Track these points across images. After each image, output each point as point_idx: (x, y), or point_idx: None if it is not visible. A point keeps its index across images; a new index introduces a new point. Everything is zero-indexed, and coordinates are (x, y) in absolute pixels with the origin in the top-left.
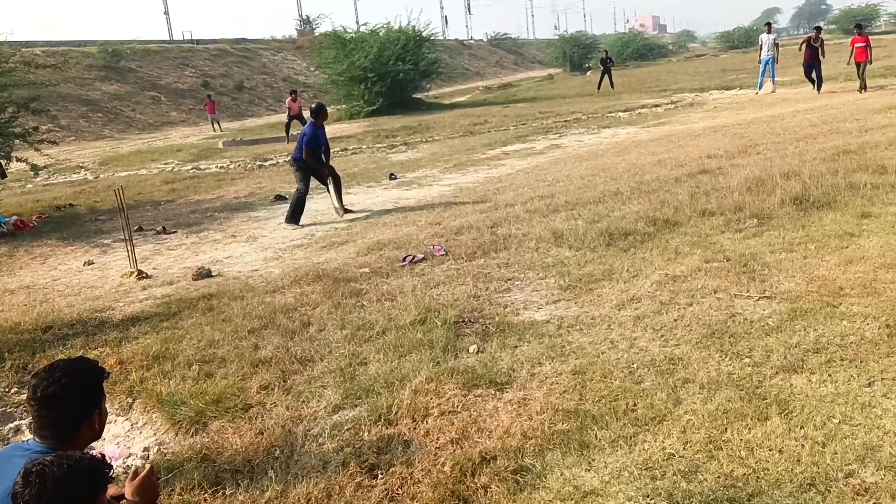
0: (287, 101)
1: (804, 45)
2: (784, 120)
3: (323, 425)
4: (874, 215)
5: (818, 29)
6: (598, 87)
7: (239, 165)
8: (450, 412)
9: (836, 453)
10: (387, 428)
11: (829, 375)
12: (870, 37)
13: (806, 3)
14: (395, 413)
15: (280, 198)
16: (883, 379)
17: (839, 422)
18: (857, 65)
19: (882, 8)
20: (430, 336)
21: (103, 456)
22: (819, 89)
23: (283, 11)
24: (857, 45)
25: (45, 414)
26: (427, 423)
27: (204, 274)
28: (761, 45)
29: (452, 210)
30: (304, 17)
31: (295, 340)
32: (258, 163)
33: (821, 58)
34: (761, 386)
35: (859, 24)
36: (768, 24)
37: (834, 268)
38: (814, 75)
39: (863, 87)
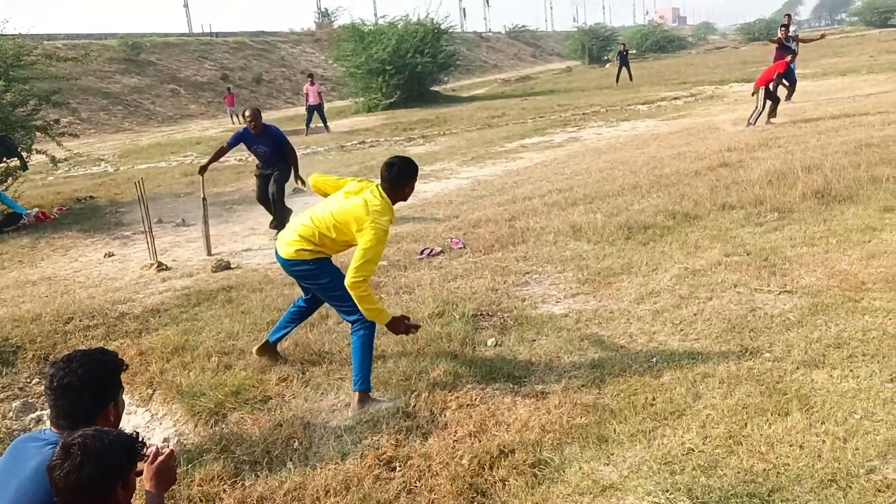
0: (305, 86)
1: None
2: (805, 112)
3: (341, 417)
4: None
5: (787, 17)
6: (617, 81)
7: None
8: (468, 405)
9: (857, 449)
10: (405, 420)
11: (851, 371)
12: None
13: None
14: (414, 406)
15: (298, 190)
16: None
17: (861, 417)
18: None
19: None
20: (448, 329)
21: (137, 433)
22: (790, 98)
23: (302, 4)
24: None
25: (61, 404)
26: (445, 416)
27: (223, 266)
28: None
29: (470, 203)
30: (323, 9)
31: (313, 333)
32: None
33: (795, 53)
34: (782, 381)
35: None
36: (787, 16)
37: (856, 262)
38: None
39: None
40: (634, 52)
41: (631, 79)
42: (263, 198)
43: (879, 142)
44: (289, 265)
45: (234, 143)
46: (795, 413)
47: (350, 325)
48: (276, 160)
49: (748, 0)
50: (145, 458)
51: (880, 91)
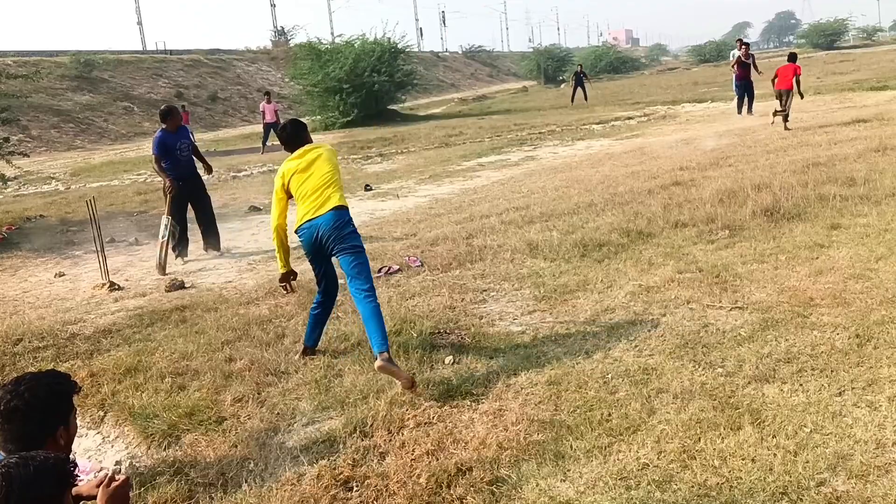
0: (262, 104)
1: (735, 64)
2: (755, 133)
3: (298, 438)
4: (843, 227)
5: (746, 45)
6: (572, 101)
7: (213, 176)
8: (426, 424)
9: (807, 462)
10: (362, 440)
11: (801, 385)
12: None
13: (776, 18)
14: (371, 425)
15: (255, 209)
16: (853, 388)
17: (811, 431)
18: (779, 92)
19: (850, 23)
20: (405, 347)
21: (67, 455)
22: (751, 110)
23: (258, 22)
24: (783, 73)
25: (8, 428)
26: (403, 434)
27: (177, 286)
28: (733, 60)
29: (428, 221)
30: (279, 28)
31: (269, 352)
32: (232, 174)
33: (755, 74)
34: (734, 395)
35: (793, 55)
36: (739, 40)
37: (804, 278)
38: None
39: (779, 115)
40: (590, 77)
41: (586, 99)
42: (182, 215)
43: (826, 161)
44: (338, 217)
45: (160, 151)
46: (747, 427)
47: (365, 292)
48: (193, 158)
49: (699, 23)
50: (76, 482)
51: (826, 111)
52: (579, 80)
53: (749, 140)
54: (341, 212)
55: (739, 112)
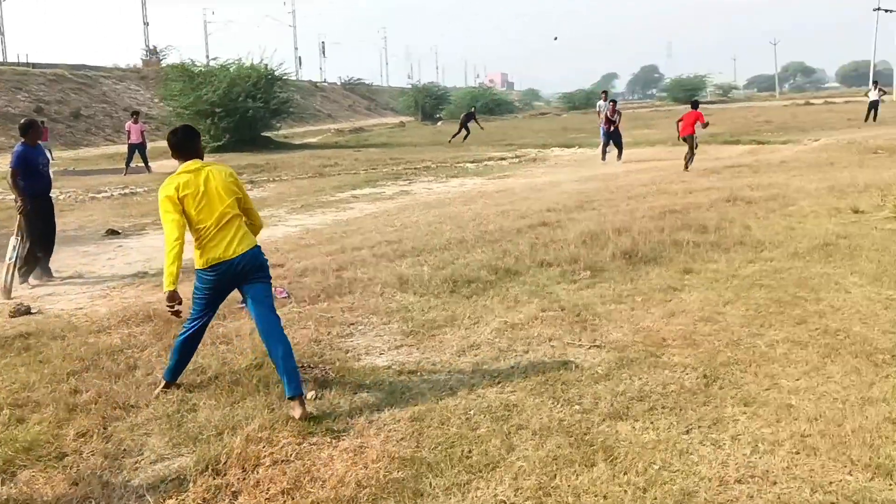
0: (128, 123)
1: (603, 117)
2: (618, 179)
3: (145, 476)
4: (695, 271)
5: (614, 101)
6: (452, 138)
7: (70, 197)
8: (283, 461)
9: (655, 499)
10: (214, 478)
11: (652, 423)
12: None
13: (640, 71)
14: (225, 462)
15: (113, 232)
16: (700, 427)
17: (659, 468)
18: (684, 138)
19: (708, 79)
20: (266, 382)
21: None
22: (620, 157)
23: (130, 40)
24: (684, 120)
25: None
26: (258, 472)
27: (22, 311)
28: (599, 110)
29: (297, 252)
30: (152, 47)
31: (119, 384)
32: (91, 195)
33: (619, 128)
34: (589, 432)
35: (695, 101)
36: (605, 92)
37: (658, 320)
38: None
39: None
40: (479, 121)
41: (464, 139)
42: (35, 235)
43: (681, 208)
44: (254, 254)
45: (20, 165)
46: (601, 464)
47: (280, 325)
48: (51, 176)
49: (570, 71)
50: None
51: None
52: (468, 119)
53: (612, 185)
54: (256, 249)
55: (604, 159)
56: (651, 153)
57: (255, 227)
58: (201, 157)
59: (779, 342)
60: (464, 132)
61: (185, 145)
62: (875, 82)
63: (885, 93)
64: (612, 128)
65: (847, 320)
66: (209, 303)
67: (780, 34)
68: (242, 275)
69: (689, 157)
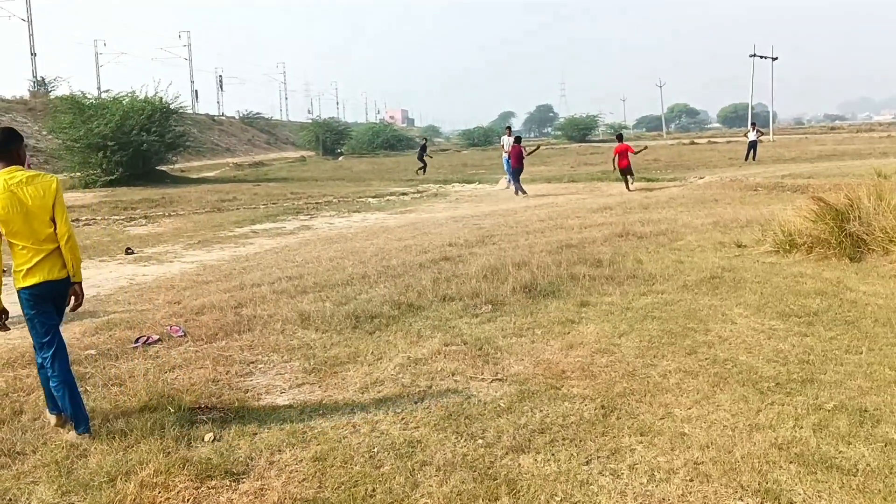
0: None
1: (511, 154)
2: (516, 214)
3: None
4: (591, 304)
5: (518, 138)
6: (417, 171)
7: None
8: None
9: None
10: None
11: (553, 454)
12: (628, 145)
13: (536, 110)
14: None
15: None
16: (598, 457)
17: (561, 500)
18: (622, 170)
19: (600, 119)
20: (161, 424)
21: None
22: (519, 192)
23: (16, 71)
24: (619, 153)
25: None
26: None
27: None
28: (503, 145)
29: (194, 289)
30: (40, 78)
31: (3, 430)
32: None
33: (524, 164)
34: (493, 466)
35: (620, 134)
36: (508, 128)
37: (557, 352)
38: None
39: (629, 186)
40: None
41: (424, 172)
42: None
43: (578, 243)
44: (68, 282)
45: None
46: (504, 498)
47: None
48: None
49: (468, 109)
50: None
51: (578, 198)
52: (423, 152)
53: (511, 220)
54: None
55: (523, 192)
56: (547, 189)
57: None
58: (23, 164)
59: (671, 372)
60: (421, 165)
61: (2, 150)
62: (753, 124)
63: (762, 133)
64: (518, 165)
65: (734, 350)
66: (47, 317)
67: (665, 76)
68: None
69: (630, 181)
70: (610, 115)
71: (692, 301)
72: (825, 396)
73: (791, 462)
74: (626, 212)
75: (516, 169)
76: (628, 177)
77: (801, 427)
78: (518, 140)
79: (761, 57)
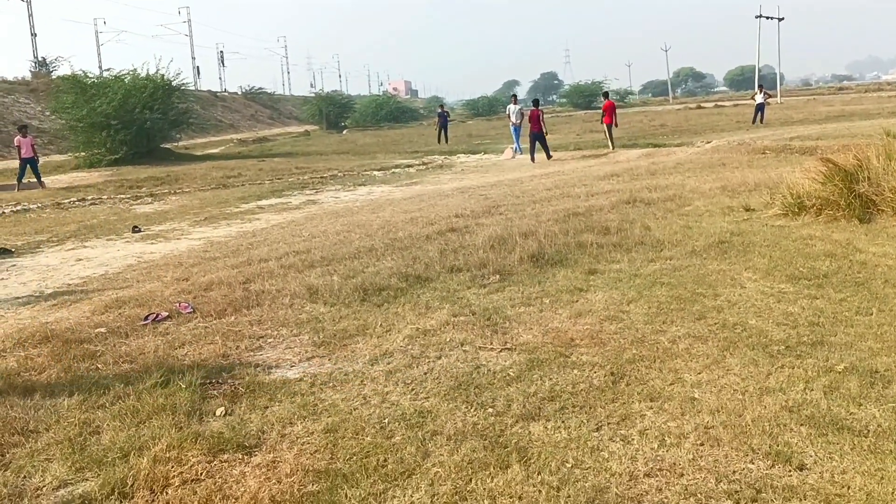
0: (17, 138)
1: (530, 118)
2: (523, 184)
3: (47, 502)
4: (599, 272)
5: (536, 101)
6: (438, 140)
7: None
8: (193, 480)
9: (569, 497)
10: (121, 502)
11: (563, 422)
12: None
13: (541, 78)
14: (132, 485)
15: (5, 251)
16: (609, 423)
17: (571, 466)
18: (607, 126)
19: (605, 85)
20: (172, 400)
21: None
22: (549, 156)
23: (17, 52)
24: (605, 109)
25: None
26: (167, 493)
27: None
28: (509, 114)
29: (202, 265)
30: (41, 58)
31: (16, 409)
32: None
33: (544, 129)
34: (503, 435)
35: (606, 92)
36: (514, 96)
37: (566, 320)
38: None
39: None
40: (448, 115)
41: (447, 140)
42: None
43: (584, 211)
44: None
45: None
46: (515, 465)
47: None
48: None
49: (472, 79)
50: None
51: (585, 165)
52: (444, 120)
53: (517, 190)
54: None
55: (533, 160)
56: (553, 157)
57: None
58: None
59: (680, 338)
60: (444, 132)
61: None
62: (760, 86)
63: (769, 96)
64: (538, 129)
65: (743, 314)
66: None
67: (670, 40)
68: None
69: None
70: (615, 80)
71: (701, 266)
72: (835, 358)
73: (802, 424)
74: (632, 178)
75: (538, 133)
76: (611, 135)
77: (812, 389)
78: (536, 103)
79: (767, 18)
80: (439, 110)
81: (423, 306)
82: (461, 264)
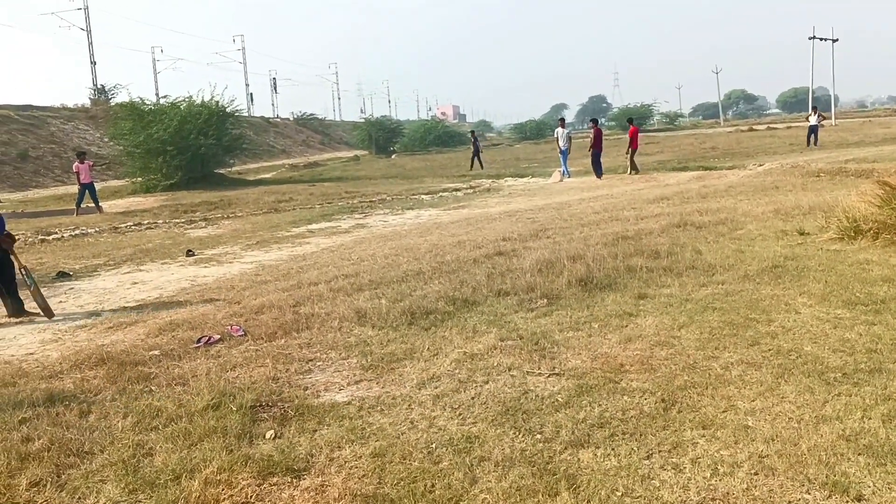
0: (75, 164)
1: (595, 137)
2: (570, 207)
3: None
4: (649, 296)
5: (595, 120)
6: (471, 167)
7: (18, 239)
8: (243, 503)
9: None
10: None
11: (613, 449)
12: (638, 129)
13: (589, 101)
14: None
15: (63, 274)
16: (660, 451)
17: (622, 494)
18: (632, 152)
19: (655, 108)
20: (223, 422)
21: None
22: (600, 176)
23: (77, 80)
24: (632, 135)
25: None
26: None
27: None
28: (557, 137)
29: (253, 288)
30: (100, 86)
31: (72, 431)
32: (41, 237)
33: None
34: (551, 461)
35: (630, 119)
36: (562, 119)
37: (615, 345)
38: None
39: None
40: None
41: (482, 166)
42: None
43: (634, 235)
44: None
45: None
46: (564, 493)
47: None
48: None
49: (521, 102)
50: None
51: (634, 189)
52: (476, 146)
53: (565, 214)
54: None
55: (599, 177)
56: (602, 181)
57: None
58: None
59: (733, 364)
60: (477, 158)
61: None
62: (814, 108)
63: (824, 118)
64: (597, 149)
65: (798, 340)
66: None
67: (721, 62)
68: None
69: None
70: (665, 103)
71: (754, 291)
72: (894, 386)
73: (859, 454)
74: (683, 202)
75: (596, 152)
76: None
77: (870, 418)
78: (595, 122)
79: (821, 39)
80: (471, 136)
81: (470, 330)
82: (508, 288)
